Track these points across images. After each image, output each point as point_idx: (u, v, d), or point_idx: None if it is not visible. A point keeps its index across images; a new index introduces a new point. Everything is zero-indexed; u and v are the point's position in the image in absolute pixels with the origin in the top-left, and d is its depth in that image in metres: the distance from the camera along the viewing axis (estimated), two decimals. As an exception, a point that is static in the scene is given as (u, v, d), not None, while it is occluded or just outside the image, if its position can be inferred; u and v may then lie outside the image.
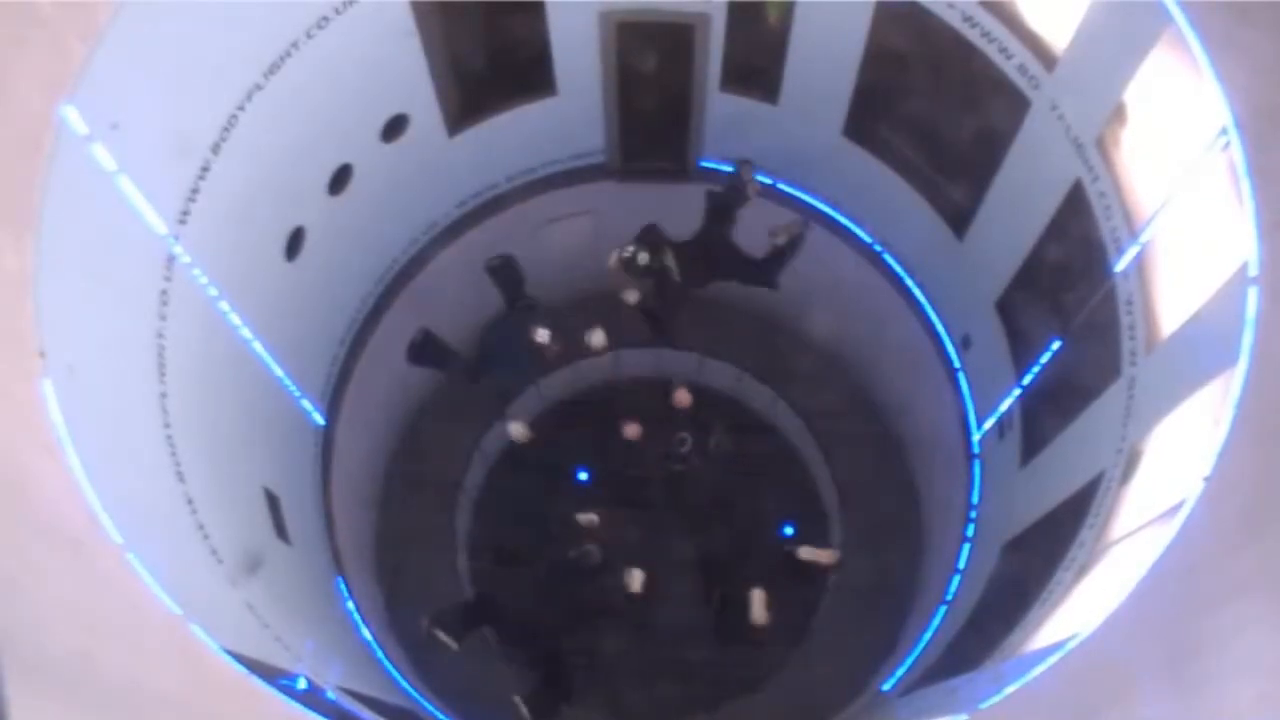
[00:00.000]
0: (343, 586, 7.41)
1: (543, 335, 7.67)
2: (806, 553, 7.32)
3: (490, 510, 9.64)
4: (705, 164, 8.25)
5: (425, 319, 7.87)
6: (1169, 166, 4.96)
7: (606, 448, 9.53)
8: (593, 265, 9.23)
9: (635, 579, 7.37)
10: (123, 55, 4.15)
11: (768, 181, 8.28)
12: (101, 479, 3.74)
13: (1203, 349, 4.57)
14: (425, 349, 8.02)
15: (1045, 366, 6.64)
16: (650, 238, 7.49)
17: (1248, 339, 3.97)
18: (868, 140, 7.47)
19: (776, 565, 7.49)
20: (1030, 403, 6.96)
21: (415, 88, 6.77)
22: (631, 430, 7.44)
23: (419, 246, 7.97)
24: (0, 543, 3.21)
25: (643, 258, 7.35)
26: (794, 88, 7.35)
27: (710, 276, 7.79)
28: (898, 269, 8.20)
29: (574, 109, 7.65)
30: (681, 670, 8.96)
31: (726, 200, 7.74)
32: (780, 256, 7.73)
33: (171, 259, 4.96)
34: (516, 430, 8.01)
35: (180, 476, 4.92)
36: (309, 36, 5.56)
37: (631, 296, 7.67)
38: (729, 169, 7.94)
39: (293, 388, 6.83)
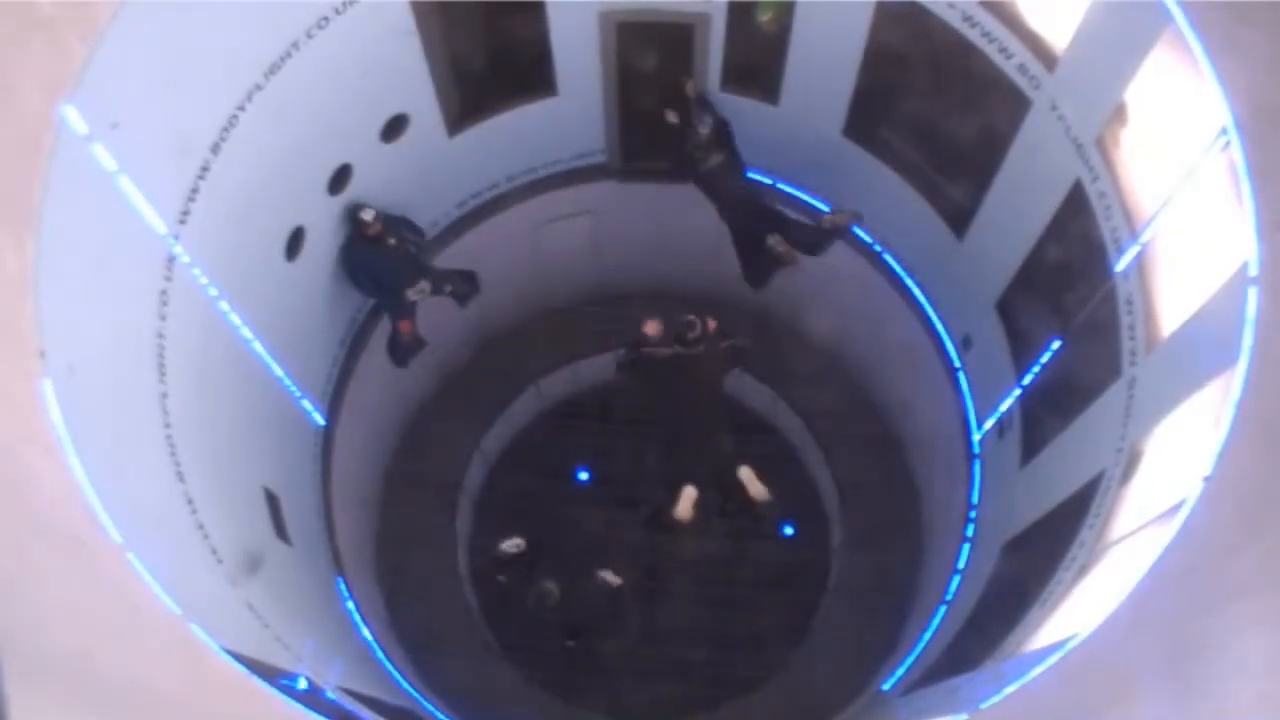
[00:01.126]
0: (343, 586, 7.41)
1: (368, 214, 6.83)
2: (745, 474, 7.13)
3: (490, 510, 9.65)
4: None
5: (424, 319, 7.85)
6: (1169, 166, 4.96)
7: (607, 444, 9.58)
8: (593, 265, 9.26)
9: (611, 578, 7.38)
10: (123, 55, 4.15)
11: (767, 181, 8.29)
12: (101, 479, 3.74)
13: (1203, 349, 4.57)
14: (400, 346, 8.01)
15: (1045, 366, 6.64)
16: (721, 124, 7.28)
17: (1248, 339, 3.96)
18: (868, 140, 7.47)
19: (721, 474, 7.37)
20: (1030, 403, 6.96)
21: (415, 88, 6.77)
22: (652, 327, 6.95)
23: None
24: (0, 543, 3.21)
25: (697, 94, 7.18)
26: (794, 88, 7.35)
27: (729, 193, 7.50)
28: (898, 269, 8.19)
29: (574, 109, 7.65)
30: (681, 670, 8.97)
31: (808, 237, 7.53)
32: (820, 231, 7.55)
33: (171, 259, 4.96)
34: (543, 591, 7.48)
35: (180, 476, 4.91)
36: (309, 36, 5.55)
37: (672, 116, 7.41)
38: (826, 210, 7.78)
39: (293, 388, 6.83)
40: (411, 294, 7.33)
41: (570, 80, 7.41)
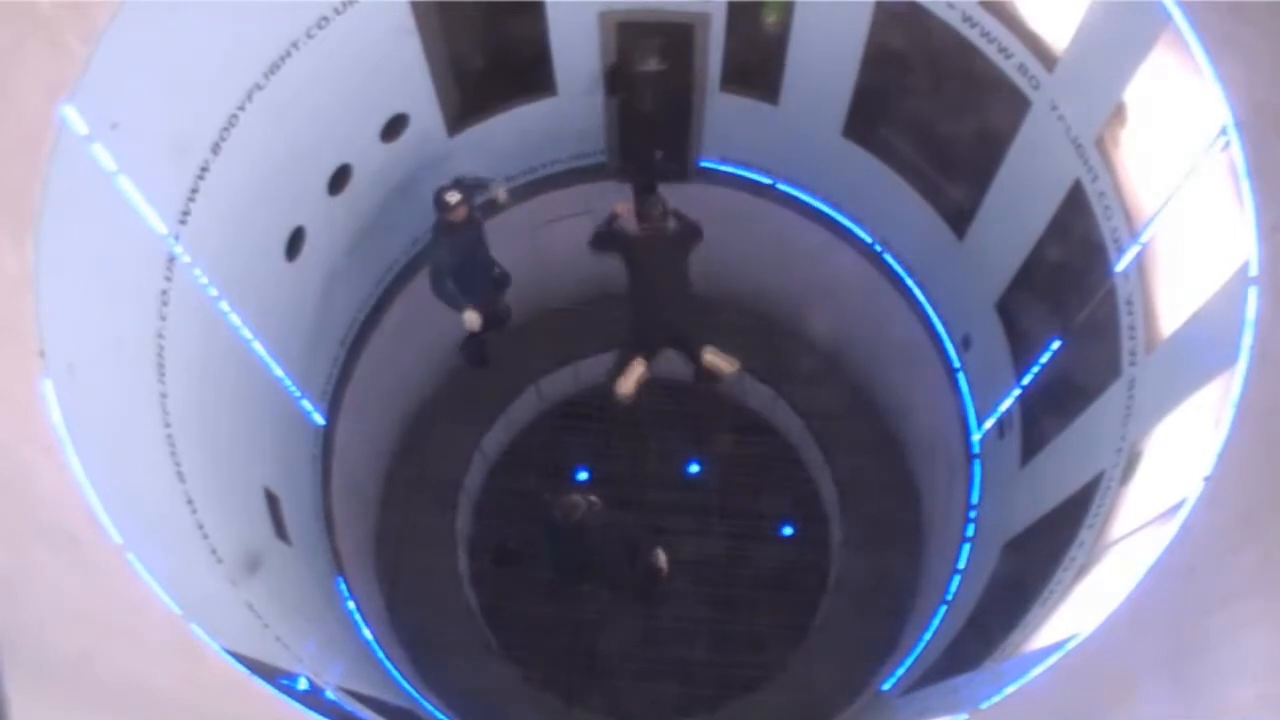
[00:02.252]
0: (343, 586, 7.41)
1: (453, 196, 6.84)
2: (710, 355, 7.25)
3: (490, 510, 9.65)
4: (705, 164, 8.26)
5: (425, 318, 7.86)
6: (1169, 166, 4.96)
7: (607, 444, 9.58)
8: (593, 265, 9.24)
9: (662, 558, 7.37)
10: (123, 55, 4.15)
11: (767, 181, 8.29)
12: (101, 479, 3.74)
13: (1203, 349, 4.57)
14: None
15: (1045, 366, 6.64)
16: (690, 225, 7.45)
17: (1248, 339, 3.96)
18: (868, 140, 7.47)
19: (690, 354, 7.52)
20: (1030, 403, 6.95)
21: (415, 88, 6.77)
22: (622, 207, 7.34)
23: (419, 247, 7.96)
24: (0, 543, 3.21)
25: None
26: (794, 88, 7.36)
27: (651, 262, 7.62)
28: (898, 269, 8.20)
29: (574, 109, 7.66)
30: (681, 670, 8.97)
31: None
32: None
33: (171, 259, 4.96)
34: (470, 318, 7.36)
35: (180, 476, 4.91)
36: (309, 36, 5.56)
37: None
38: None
39: (293, 388, 6.83)
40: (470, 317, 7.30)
41: (570, 80, 7.41)
